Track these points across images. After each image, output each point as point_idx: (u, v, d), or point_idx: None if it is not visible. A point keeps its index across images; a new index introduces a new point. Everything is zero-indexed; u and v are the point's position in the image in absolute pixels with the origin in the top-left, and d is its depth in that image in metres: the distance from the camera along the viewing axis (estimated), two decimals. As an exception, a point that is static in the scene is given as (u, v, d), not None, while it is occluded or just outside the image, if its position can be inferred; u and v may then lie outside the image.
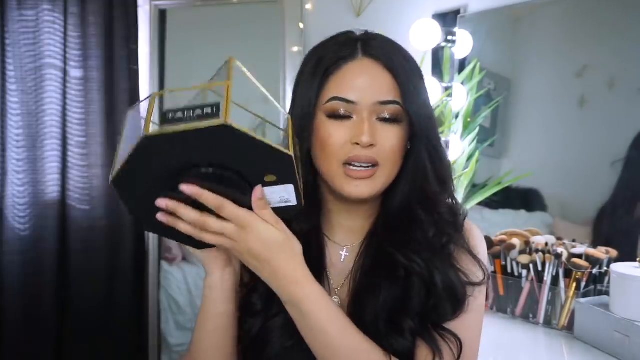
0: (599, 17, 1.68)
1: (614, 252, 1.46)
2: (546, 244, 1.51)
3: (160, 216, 0.68)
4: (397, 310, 0.78)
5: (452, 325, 0.79)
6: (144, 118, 0.65)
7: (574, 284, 1.42)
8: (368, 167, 0.79)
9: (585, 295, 1.41)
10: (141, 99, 2.33)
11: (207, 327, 0.80)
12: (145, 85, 2.38)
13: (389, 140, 0.79)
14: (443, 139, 1.93)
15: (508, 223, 1.76)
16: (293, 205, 0.71)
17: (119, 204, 2.39)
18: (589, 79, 1.66)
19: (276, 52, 2.29)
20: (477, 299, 0.81)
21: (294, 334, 0.76)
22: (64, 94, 2.25)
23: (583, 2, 1.73)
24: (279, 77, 2.29)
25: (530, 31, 1.87)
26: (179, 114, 0.61)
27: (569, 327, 1.42)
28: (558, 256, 1.46)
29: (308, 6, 2.29)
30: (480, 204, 1.86)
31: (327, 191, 0.86)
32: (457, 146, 1.93)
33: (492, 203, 1.84)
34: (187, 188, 0.65)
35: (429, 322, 0.78)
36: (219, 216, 0.68)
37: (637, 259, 1.32)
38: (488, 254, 1.18)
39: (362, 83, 0.80)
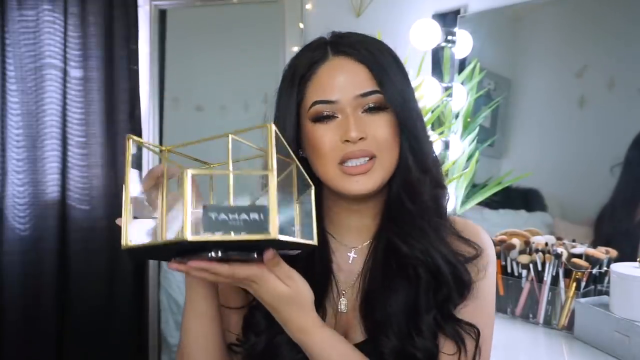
0: (599, 18, 1.68)
1: (614, 252, 1.46)
2: (546, 244, 1.51)
3: (172, 266, 0.67)
4: (413, 310, 0.79)
5: (466, 315, 0.79)
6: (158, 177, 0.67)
7: (574, 284, 1.42)
8: (365, 161, 0.79)
9: (585, 295, 1.41)
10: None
11: (191, 327, 0.81)
12: (145, 85, 2.39)
13: (379, 129, 0.79)
14: (443, 139, 1.94)
15: (508, 223, 1.76)
16: (308, 244, 0.70)
17: (118, 204, 2.39)
18: (589, 79, 1.66)
19: (276, 52, 2.29)
20: (484, 283, 0.82)
21: None
22: (64, 94, 2.25)
23: (583, 2, 1.73)
24: (278, 77, 2.28)
25: (531, 31, 1.86)
26: (223, 216, 0.58)
27: (569, 327, 1.42)
28: (558, 256, 1.46)
29: (308, 6, 2.29)
30: (480, 204, 1.86)
31: (331, 194, 0.86)
32: (457, 146, 1.93)
33: (492, 203, 1.84)
34: (197, 264, 0.64)
35: (444, 316, 0.79)
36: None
37: (637, 259, 1.31)
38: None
39: (338, 81, 0.80)
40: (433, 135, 1.91)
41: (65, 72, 2.25)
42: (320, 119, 0.80)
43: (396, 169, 0.82)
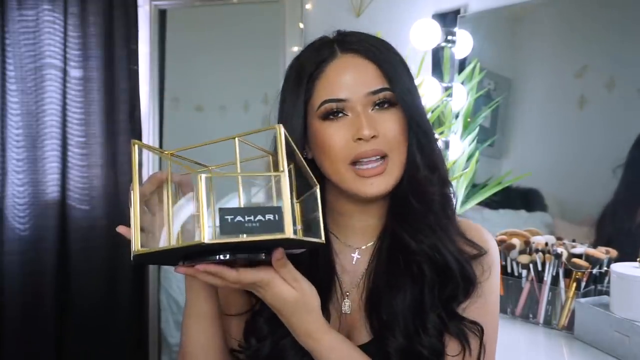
0: (599, 17, 1.68)
1: (614, 252, 1.46)
2: (546, 244, 1.51)
3: (180, 270, 0.68)
4: (419, 308, 0.79)
5: (470, 313, 0.79)
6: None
7: (574, 284, 1.42)
8: (377, 161, 0.78)
9: (585, 295, 1.41)
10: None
11: (191, 328, 0.81)
12: (145, 85, 2.38)
13: (390, 125, 0.79)
14: (443, 139, 1.94)
15: (508, 223, 1.76)
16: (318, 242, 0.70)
17: (119, 204, 2.40)
18: (589, 79, 1.66)
19: (276, 52, 2.29)
20: (489, 282, 0.82)
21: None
22: (64, 94, 2.25)
23: (583, 2, 1.73)
24: (278, 77, 2.28)
25: (531, 31, 1.86)
26: (239, 218, 0.58)
27: (569, 327, 1.42)
28: (558, 256, 1.46)
29: (308, 6, 2.29)
30: (480, 204, 1.86)
31: (336, 194, 0.85)
32: (457, 146, 1.93)
33: (492, 203, 1.84)
34: (204, 268, 0.64)
35: (449, 314, 0.79)
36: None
37: (637, 259, 1.31)
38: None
39: (348, 79, 0.79)
40: (433, 135, 1.91)
41: (65, 72, 2.25)
42: (330, 117, 0.79)
43: (404, 167, 0.82)
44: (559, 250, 1.47)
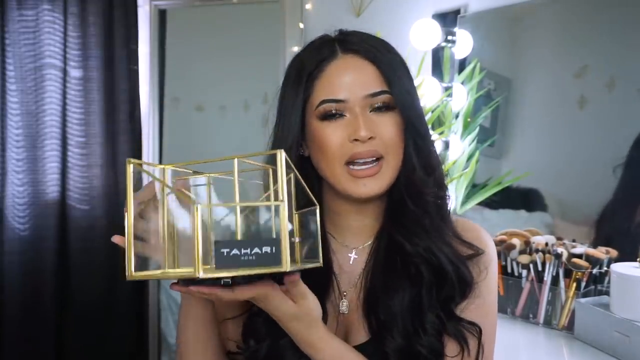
0: (599, 17, 1.68)
1: (614, 252, 1.46)
2: (546, 244, 1.51)
3: (175, 288, 0.66)
4: (417, 309, 0.79)
5: (468, 314, 0.79)
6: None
7: (574, 284, 1.42)
8: (372, 162, 0.79)
9: (585, 295, 1.41)
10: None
11: (187, 330, 0.82)
12: (145, 85, 2.39)
13: (387, 128, 0.79)
14: (443, 139, 1.94)
15: (508, 223, 1.76)
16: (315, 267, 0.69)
17: (118, 204, 2.40)
18: (589, 79, 1.66)
19: (276, 52, 2.29)
20: (486, 282, 0.82)
21: None
22: (64, 94, 2.25)
23: (583, 2, 1.73)
24: (278, 77, 2.28)
25: (531, 31, 1.86)
26: (235, 251, 0.57)
27: (569, 327, 1.42)
28: (558, 256, 1.46)
29: (308, 6, 2.29)
30: (480, 204, 1.86)
31: (333, 194, 0.85)
32: (457, 146, 1.93)
33: (492, 203, 1.84)
34: (198, 289, 0.63)
35: (447, 315, 0.79)
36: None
37: (637, 259, 1.31)
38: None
39: (347, 80, 0.79)
40: (433, 135, 1.91)
41: (65, 72, 2.25)
42: (328, 117, 0.80)
43: (400, 169, 0.82)
44: (559, 250, 1.47)
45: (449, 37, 1.98)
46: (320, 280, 0.82)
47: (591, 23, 1.70)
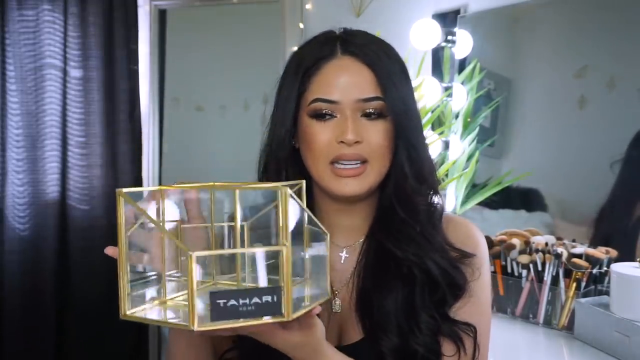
0: (599, 18, 1.68)
1: (614, 252, 1.46)
2: (546, 244, 1.51)
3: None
4: (411, 308, 0.79)
5: (462, 315, 0.79)
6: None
7: (574, 284, 1.42)
8: (356, 164, 0.79)
9: (585, 295, 1.41)
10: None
11: (180, 339, 0.83)
12: (145, 85, 2.39)
13: (375, 135, 0.79)
14: (443, 139, 1.94)
15: (508, 223, 1.76)
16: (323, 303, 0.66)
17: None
18: (588, 79, 1.66)
19: (276, 52, 2.29)
20: (479, 282, 0.82)
21: None
22: (64, 94, 2.25)
23: (583, 2, 1.73)
24: (278, 77, 2.28)
25: (531, 31, 1.86)
26: (233, 302, 0.53)
27: (569, 327, 1.42)
28: (558, 256, 1.46)
29: (308, 6, 2.29)
30: (480, 204, 1.86)
31: (321, 192, 0.86)
32: (457, 146, 1.93)
33: (492, 203, 1.84)
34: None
35: (442, 316, 0.79)
36: None
37: (637, 259, 1.31)
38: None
39: (343, 82, 0.79)
40: (433, 136, 1.91)
41: (65, 72, 2.25)
42: (318, 116, 0.80)
43: (390, 175, 0.82)
44: (559, 250, 1.47)
45: (449, 37, 1.98)
46: None
47: (591, 23, 1.70)
